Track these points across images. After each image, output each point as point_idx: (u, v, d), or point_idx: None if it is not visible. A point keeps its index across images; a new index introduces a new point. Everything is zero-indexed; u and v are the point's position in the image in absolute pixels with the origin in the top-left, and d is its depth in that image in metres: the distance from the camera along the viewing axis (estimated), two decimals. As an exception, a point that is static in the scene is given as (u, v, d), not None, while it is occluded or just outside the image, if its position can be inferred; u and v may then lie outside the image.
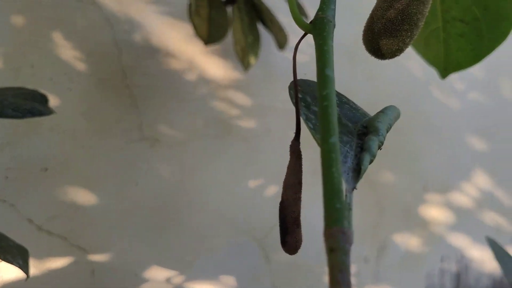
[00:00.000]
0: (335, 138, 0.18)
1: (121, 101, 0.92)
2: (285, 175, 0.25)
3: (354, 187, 0.21)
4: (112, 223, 0.91)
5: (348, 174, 0.21)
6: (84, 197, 0.89)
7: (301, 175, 0.24)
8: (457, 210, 1.33)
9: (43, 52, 0.87)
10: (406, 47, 0.27)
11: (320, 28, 0.24)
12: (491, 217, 1.39)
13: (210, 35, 0.88)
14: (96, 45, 0.91)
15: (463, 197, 1.35)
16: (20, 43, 0.85)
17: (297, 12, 0.25)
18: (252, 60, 0.87)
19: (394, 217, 1.24)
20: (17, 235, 0.67)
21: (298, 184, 0.24)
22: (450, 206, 1.32)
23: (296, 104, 0.24)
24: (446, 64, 0.42)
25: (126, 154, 0.93)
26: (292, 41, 0.98)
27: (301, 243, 0.25)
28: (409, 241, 1.26)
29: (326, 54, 0.22)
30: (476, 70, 1.40)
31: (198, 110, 0.99)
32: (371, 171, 1.21)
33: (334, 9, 0.25)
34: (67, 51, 0.88)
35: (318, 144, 0.19)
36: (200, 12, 0.87)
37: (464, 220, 1.35)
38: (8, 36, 0.85)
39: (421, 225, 1.28)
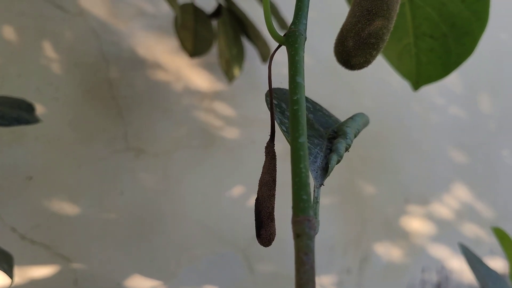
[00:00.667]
0: (303, 138, 0.19)
1: (107, 111, 0.94)
2: (261, 174, 0.26)
3: (322, 184, 0.23)
4: (96, 232, 0.91)
5: (317, 172, 0.23)
6: (68, 206, 0.90)
7: (275, 174, 0.26)
8: (438, 222, 1.36)
9: (30, 62, 0.88)
10: (373, 59, 0.30)
11: (292, 41, 0.26)
12: (470, 229, 1.42)
13: (195, 47, 0.89)
14: (82, 56, 0.92)
15: (444, 209, 1.37)
16: (7, 53, 0.86)
17: (272, 26, 0.27)
18: (236, 72, 0.89)
19: (376, 228, 1.26)
20: (0, 244, 0.68)
21: (272, 182, 0.26)
22: (430, 217, 1.35)
23: (271, 109, 0.25)
24: (418, 77, 0.45)
25: (110, 163, 0.93)
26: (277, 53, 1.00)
27: (274, 236, 0.26)
28: (391, 252, 1.28)
29: (297, 63, 0.24)
30: (456, 86, 1.43)
31: (182, 120, 1.01)
32: (353, 183, 1.23)
33: (306, 24, 0.27)
34: (54, 62, 0.90)
35: (290, 144, 0.21)
36: (185, 25, 0.89)
37: (445, 231, 1.37)
38: (-5, 46, 0.86)
39: (402, 236, 1.30)
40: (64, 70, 0.90)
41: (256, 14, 1.01)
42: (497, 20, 1.51)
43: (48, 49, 0.90)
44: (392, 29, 0.29)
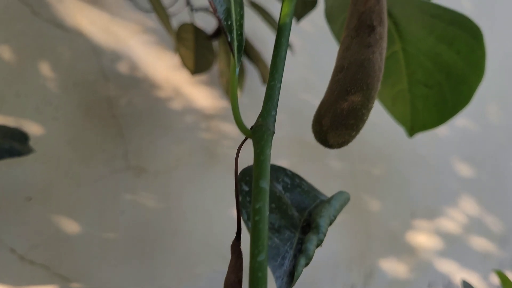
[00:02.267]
0: (263, 256, 0.18)
1: (107, 130, 0.93)
2: (226, 274, 0.25)
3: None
4: (96, 252, 0.91)
5: (282, 279, 0.21)
6: (68, 225, 0.89)
7: (241, 274, 0.25)
8: (445, 236, 1.34)
9: (29, 81, 0.87)
10: (353, 138, 0.28)
11: (258, 136, 0.25)
12: (478, 243, 1.39)
13: (196, 66, 0.88)
14: (82, 74, 0.91)
15: (451, 223, 1.35)
16: (6, 73, 0.85)
17: (239, 118, 0.26)
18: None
19: (382, 244, 1.25)
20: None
21: (238, 283, 0.24)
22: (437, 232, 1.33)
23: (237, 204, 0.24)
24: (413, 123, 0.43)
25: (111, 182, 0.93)
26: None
27: None
28: (396, 268, 1.26)
29: (262, 164, 0.23)
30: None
31: (184, 138, 1.00)
32: (358, 199, 1.22)
33: (275, 115, 0.26)
34: (53, 81, 0.89)
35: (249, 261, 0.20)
36: (186, 44, 0.87)
37: (452, 246, 1.35)
38: (-7, 66, 0.85)
39: (408, 251, 1.28)
40: (63, 89, 0.89)
41: (257, 35, 0.99)
42: (506, 30, 1.48)
43: (47, 68, 0.89)
44: (372, 107, 0.27)
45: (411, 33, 0.38)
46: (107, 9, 0.94)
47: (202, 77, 1.00)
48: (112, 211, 0.93)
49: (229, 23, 0.23)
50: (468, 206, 1.38)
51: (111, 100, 0.93)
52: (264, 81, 0.90)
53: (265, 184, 0.21)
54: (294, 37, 1.11)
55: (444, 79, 0.39)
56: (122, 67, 0.95)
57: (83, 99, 0.91)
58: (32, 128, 0.87)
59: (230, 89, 0.25)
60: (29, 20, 0.88)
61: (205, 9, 0.89)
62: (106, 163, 0.92)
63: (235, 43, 0.24)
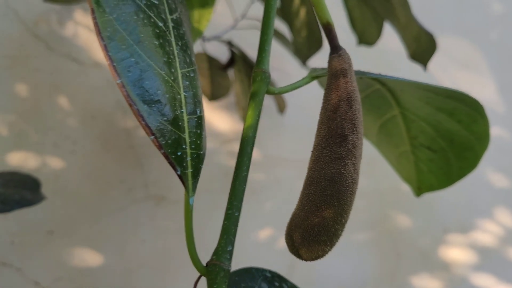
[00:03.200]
0: None
1: (126, 161, 0.93)
2: None
3: None
4: (119, 282, 0.91)
5: None
6: (90, 257, 0.90)
7: None
8: (480, 250, 1.29)
9: (46, 117, 0.88)
10: (327, 252, 0.26)
11: (212, 277, 0.23)
12: (516, 256, 1.34)
13: (212, 92, 0.87)
14: (99, 107, 0.91)
15: (486, 236, 1.30)
16: (23, 110, 0.86)
17: (194, 255, 0.24)
18: (252, 121, 0.86)
19: (412, 261, 1.21)
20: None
21: None
22: (472, 246, 1.28)
23: None
24: (419, 183, 0.40)
25: (131, 213, 0.93)
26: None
27: None
28: (429, 285, 1.22)
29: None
30: (497, 104, 1.35)
31: (203, 164, 0.99)
32: (386, 217, 1.18)
33: (232, 251, 0.24)
34: (70, 115, 0.89)
35: None
36: (201, 72, 0.87)
37: (488, 259, 1.30)
38: (11, 104, 0.86)
39: (442, 267, 1.24)
40: (81, 122, 0.90)
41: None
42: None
43: (65, 103, 0.89)
44: (347, 221, 0.25)
45: (407, 101, 0.35)
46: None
47: (220, 102, 0.98)
48: (133, 241, 0.93)
49: (179, 154, 0.22)
50: (504, 218, 1.32)
51: (129, 131, 0.93)
52: (280, 110, 0.88)
53: None
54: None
55: (447, 145, 0.36)
56: (139, 97, 0.94)
57: (101, 131, 0.91)
58: (52, 163, 0.88)
59: (185, 228, 0.24)
60: (44, 56, 0.88)
61: (216, 38, 0.87)
62: (126, 194, 0.92)
63: (189, 173, 0.22)
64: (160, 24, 0.21)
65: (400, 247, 1.19)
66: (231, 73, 0.89)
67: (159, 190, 0.96)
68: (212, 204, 1.00)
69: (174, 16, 0.23)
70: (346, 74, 0.25)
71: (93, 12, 0.19)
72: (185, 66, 0.23)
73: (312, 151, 0.27)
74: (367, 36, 0.55)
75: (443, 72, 1.28)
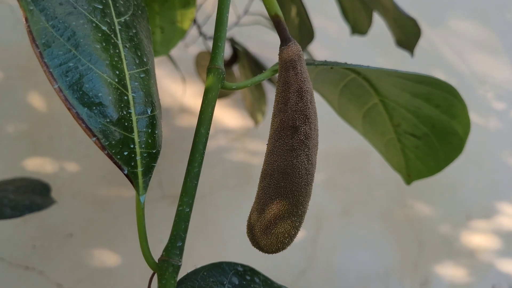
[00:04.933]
0: None
1: (139, 162, 0.94)
2: None
3: None
4: (138, 281, 0.92)
5: None
6: (109, 258, 0.92)
7: None
8: (505, 235, 1.26)
9: (60, 124, 0.90)
10: (289, 244, 0.26)
11: (161, 272, 0.24)
12: (545, 239, 1.30)
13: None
14: (110, 110, 0.93)
15: (510, 221, 1.27)
16: (37, 118, 0.88)
17: (147, 251, 0.25)
18: (259, 117, 0.86)
19: (436, 249, 1.19)
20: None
21: None
22: (496, 232, 1.25)
23: None
24: (409, 171, 0.40)
25: (147, 212, 0.94)
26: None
27: None
28: (454, 272, 1.20)
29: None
30: (518, 86, 1.31)
31: (216, 162, 0.99)
32: (405, 205, 1.17)
33: (182, 246, 0.25)
34: (83, 120, 0.91)
35: None
36: (205, 69, 0.87)
37: (514, 244, 1.27)
38: (25, 113, 0.88)
39: (466, 254, 1.22)
40: (93, 126, 0.91)
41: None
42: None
43: (76, 108, 0.91)
44: (307, 208, 0.25)
45: (384, 88, 0.35)
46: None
47: (227, 100, 0.99)
48: (150, 241, 0.94)
49: (125, 154, 0.22)
50: (529, 202, 1.29)
51: (140, 132, 0.94)
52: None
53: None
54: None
55: (430, 131, 0.35)
56: (149, 98, 0.96)
57: (113, 134, 0.92)
58: (67, 167, 0.90)
59: (137, 226, 0.24)
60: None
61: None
62: (141, 195, 0.94)
63: (139, 172, 0.23)
64: (104, 27, 0.22)
65: (422, 235, 1.18)
66: (235, 69, 0.89)
67: (174, 190, 0.97)
68: (230, 200, 1.00)
69: (122, 19, 0.23)
70: (296, 66, 0.25)
71: (26, 20, 0.19)
72: (134, 67, 0.23)
73: (267, 144, 0.27)
74: (359, 25, 0.55)
75: (458, 56, 1.26)
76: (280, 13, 0.25)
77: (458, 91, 0.32)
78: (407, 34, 0.49)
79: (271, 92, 0.98)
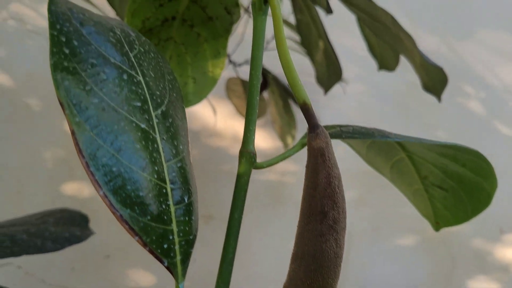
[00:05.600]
0: None
1: (171, 184, 0.96)
2: None
3: None
4: (173, 302, 0.95)
5: None
6: (144, 279, 0.94)
7: None
8: (542, 249, 1.24)
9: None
10: None
11: None
12: None
13: (249, 113, 0.89)
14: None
15: (548, 234, 1.25)
16: (70, 142, 0.91)
17: None
18: (289, 140, 0.87)
19: (468, 264, 1.18)
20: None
21: None
22: (532, 245, 1.23)
23: None
24: (437, 219, 0.41)
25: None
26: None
27: None
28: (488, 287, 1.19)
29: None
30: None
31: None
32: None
33: None
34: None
35: None
36: (236, 94, 0.89)
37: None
38: (62, 139, 0.91)
39: (499, 269, 1.21)
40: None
41: (304, 70, 0.98)
42: None
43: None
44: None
45: (411, 146, 0.36)
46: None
47: (258, 121, 1.00)
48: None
49: (165, 247, 0.23)
50: None
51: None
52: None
53: None
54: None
55: (457, 186, 0.36)
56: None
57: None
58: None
59: None
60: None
61: (248, 63, 0.89)
62: (174, 216, 0.96)
63: (178, 261, 0.24)
64: (143, 125, 0.23)
65: (455, 250, 1.17)
66: (265, 94, 0.91)
67: (207, 209, 0.99)
68: (261, 219, 1.02)
69: (159, 111, 0.25)
70: (324, 153, 0.26)
71: (73, 133, 0.21)
72: (171, 157, 0.25)
73: (297, 225, 0.28)
74: (386, 62, 0.56)
75: (488, 68, 1.24)
76: (308, 100, 0.27)
77: (484, 155, 0.32)
78: (433, 80, 0.49)
79: (300, 113, 0.99)
